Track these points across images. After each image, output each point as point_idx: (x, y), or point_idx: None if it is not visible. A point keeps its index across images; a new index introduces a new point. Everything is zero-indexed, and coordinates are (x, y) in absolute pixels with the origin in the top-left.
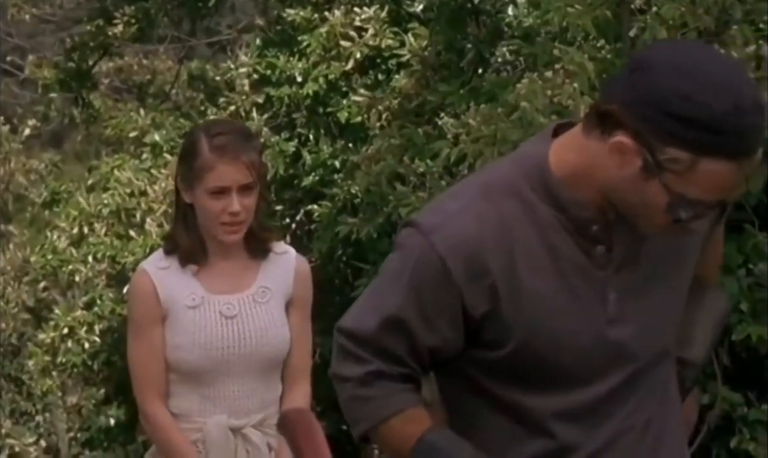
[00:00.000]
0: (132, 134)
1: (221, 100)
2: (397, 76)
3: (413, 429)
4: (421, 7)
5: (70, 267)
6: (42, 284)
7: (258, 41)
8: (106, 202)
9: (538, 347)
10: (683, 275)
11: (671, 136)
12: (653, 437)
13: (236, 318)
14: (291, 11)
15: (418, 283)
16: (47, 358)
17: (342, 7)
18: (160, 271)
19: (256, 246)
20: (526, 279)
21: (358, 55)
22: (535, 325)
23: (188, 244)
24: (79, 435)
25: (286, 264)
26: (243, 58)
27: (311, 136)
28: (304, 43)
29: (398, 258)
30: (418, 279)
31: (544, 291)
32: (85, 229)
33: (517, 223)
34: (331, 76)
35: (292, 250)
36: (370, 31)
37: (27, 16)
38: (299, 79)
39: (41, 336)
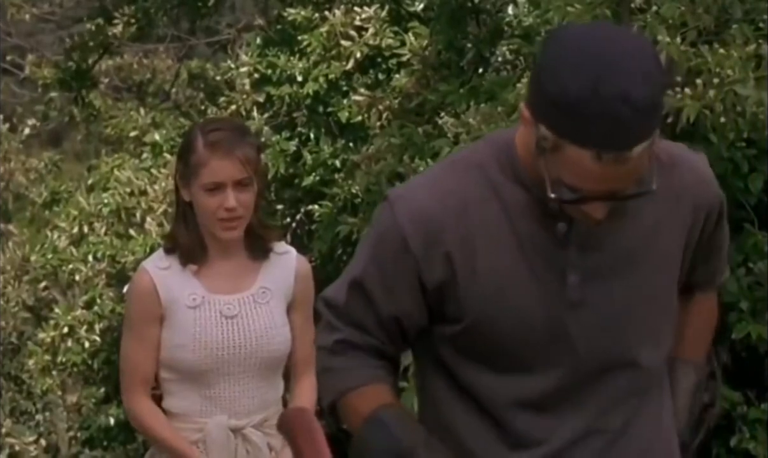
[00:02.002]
0: (132, 133)
1: (221, 99)
2: (397, 76)
3: (368, 407)
4: (421, 6)
5: (70, 266)
6: (42, 283)
7: (258, 40)
8: (106, 201)
9: (492, 324)
10: (657, 280)
11: (539, 112)
12: (633, 449)
13: (236, 319)
14: (291, 10)
15: (380, 250)
16: (47, 357)
17: (342, 6)
18: (160, 271)
19: (257, 246)
20: (483, 255)
21: (359, 55)
22: (490, 301)
23: (188, 243)
24: (79, 434)
25: (287, 265)
26: (243, 57)
27: (312, 136)
28: (305, 43)
29: (370, 228)
30: (380, 246)
31: (501, 269)
32: (85, 229)
33: (480, 199)
34: (331, 76)
35: (293, 250)
36: (371, 31)
37: (27, 16)
38: (300, 79)
39: (41, 335)
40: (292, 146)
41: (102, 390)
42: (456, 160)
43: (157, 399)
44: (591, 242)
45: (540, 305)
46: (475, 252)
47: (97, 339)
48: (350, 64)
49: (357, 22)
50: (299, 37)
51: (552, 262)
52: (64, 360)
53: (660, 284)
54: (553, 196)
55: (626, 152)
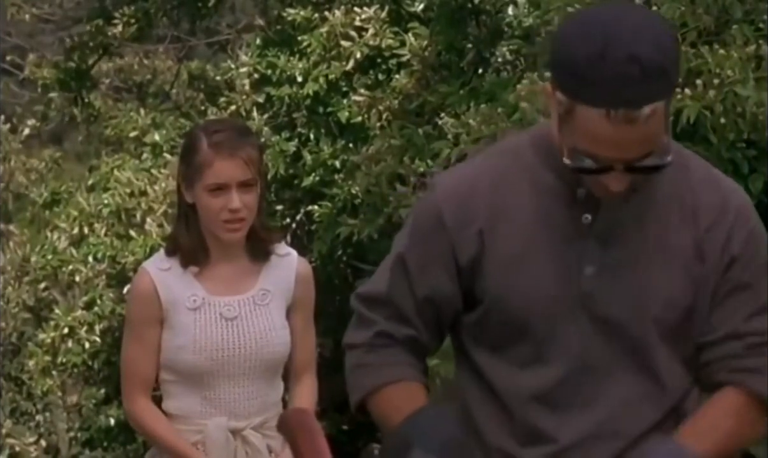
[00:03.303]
0: (132, 134)
1: (221, 99)
2: (397, 76)
3: (405, 403)
4: (421, 6)
5: (71, 267)
6: (42, 284)
7: (258, 41)
8: (106, 202)
9: (507, 301)
10: (670, 279)
11: (555, 79)
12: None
13: (236, 320)
14: (291, 11)
15: (418, 228)
16: (47, 358)
17: (342, 6)
18: (161, 272)
19: (258, 248)
20: (509, 233)
21: (359, 55)
22: (507, 277)
23: (189, 245)
24: (79, 434)
25: (288, 267)
26: (243, 57)
27: (311, 136)
28: (305, 43)
29: (411, 211)
30: (419, 225)
31: (523, 247)
32: (86, 229)
33: (512, 179)
34: (331, 76)
35: (294, 253)
36: (371, 31)
37: (27, 16)
38: (300, 79)
39: (41, 336)
40: (292, 147)
41: (102, 390)
42: (494, 146)
43: (157, 401)
44: (612, 237)
45: (553, 288)
46: (501, 233)
47: (98, 340)
48: (350, 65)
49: (357, 23)
50: (299, 38)
51: (572, 250)
52: (64, 360)
53: (674, 285)
54: (568, 162)
55: (635, 110)
